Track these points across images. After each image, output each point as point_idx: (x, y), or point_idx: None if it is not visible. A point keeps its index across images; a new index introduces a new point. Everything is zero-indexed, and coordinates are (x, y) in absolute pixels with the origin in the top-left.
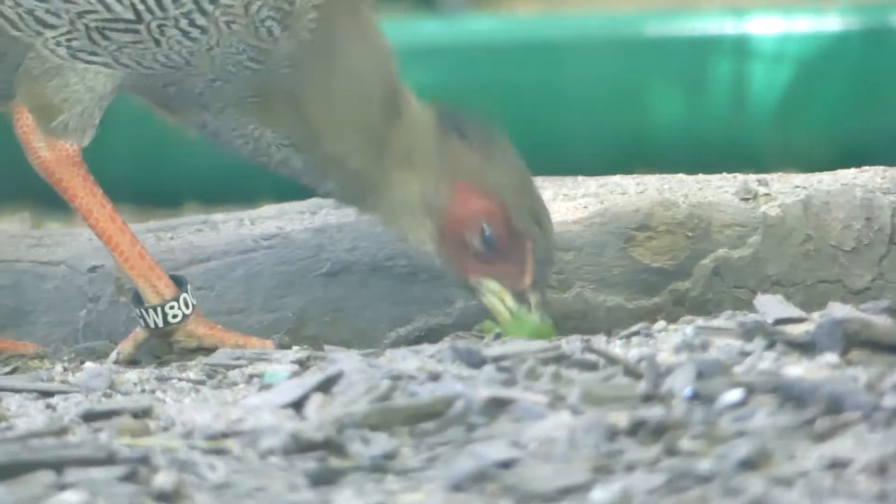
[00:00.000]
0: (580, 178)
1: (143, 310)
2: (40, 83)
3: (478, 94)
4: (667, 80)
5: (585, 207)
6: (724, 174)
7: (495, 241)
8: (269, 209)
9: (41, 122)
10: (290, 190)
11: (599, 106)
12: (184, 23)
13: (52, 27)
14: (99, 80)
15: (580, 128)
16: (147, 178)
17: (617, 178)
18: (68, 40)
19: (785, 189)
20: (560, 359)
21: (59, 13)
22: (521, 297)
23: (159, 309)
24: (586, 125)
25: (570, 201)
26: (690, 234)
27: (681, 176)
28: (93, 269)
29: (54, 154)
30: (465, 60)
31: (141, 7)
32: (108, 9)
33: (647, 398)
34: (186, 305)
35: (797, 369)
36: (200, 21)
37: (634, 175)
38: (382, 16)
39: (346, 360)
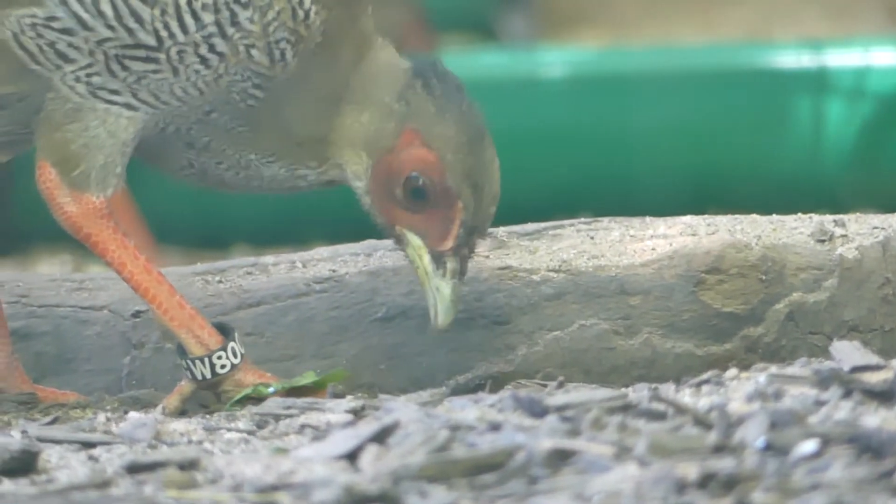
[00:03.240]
0: (648, 219)
1: (188, 361)
2: (61, 129)
3: (542, 130)
4: (740, 114)
5: (654, 249)
6: (799, 214)
7: (423, 193)
8: (321, 251)
9: (64, 174)
10: (344, 231)
11: (669, 142)
12: (203, 48)
13: (72, 61)
14: (120, 124)
15: (648, 165)
16: (194, 219)
17: (687, 218)
18: (88, 75)
19: (863, 230)
20: (626, 408)
21: (80, 45)
22: (439, 259)
23: (206, 360)
24: (655, 162)
25: (637, 243)
26: (763, 277)
27: (753, 216)
28: (136, 314)
29: (80, 208)
30: (530, 94)
31: (164, 33)
32: (131, 33)
33: (718, 449)
34: (234, 354)
35: (875, 419)
36: (220, 46)
37: (705, 215)
38: (444, 47)
39: (402, 410)
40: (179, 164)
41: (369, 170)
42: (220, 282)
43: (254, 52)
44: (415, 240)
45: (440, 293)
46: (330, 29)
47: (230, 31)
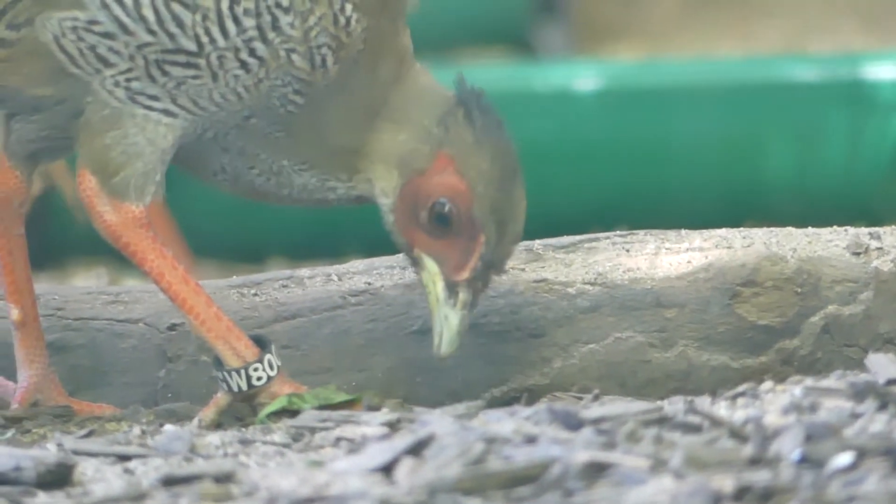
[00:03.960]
0: (684, 232)
1: (225, 373)
2: (100, 136)
3: (578, 142)
4: (776, 127)
5: (689, 262)
6: (835, 227)
7: (447, 221)
8: (357, 264)
9: (104, 182)
10: (379, 244)
11: (704, 155)
12: (244, 53)
13: (112, 65)
14: (159, 131)
15: (684, 178)
16: (230, 232)
17: (722, 231)
18: (127, 80)
19: None
20: (662, 421)
21: (120, 49)
22: (452, 288)
23: (242, 372)
24: (691, 175)
25: (673, 255)
26: (799, 290)
27: (789, 229)
28: (172, 327)
29: (120, 217)
30: (566, 107)
31: (204, 38)
32: (172, 38)
33: (754, 462)
34: (271, 367)
35: None
36: (261, 51)
37: (741, 228)
38: (479, 61)
39: (437, 423)
40: (212, 169)
41: (398, 189)
42: (255, 295)
43: (294, 56)
44: (431, 265)
45: (448, 322)
46: (371, 38)
47: (271, 35)
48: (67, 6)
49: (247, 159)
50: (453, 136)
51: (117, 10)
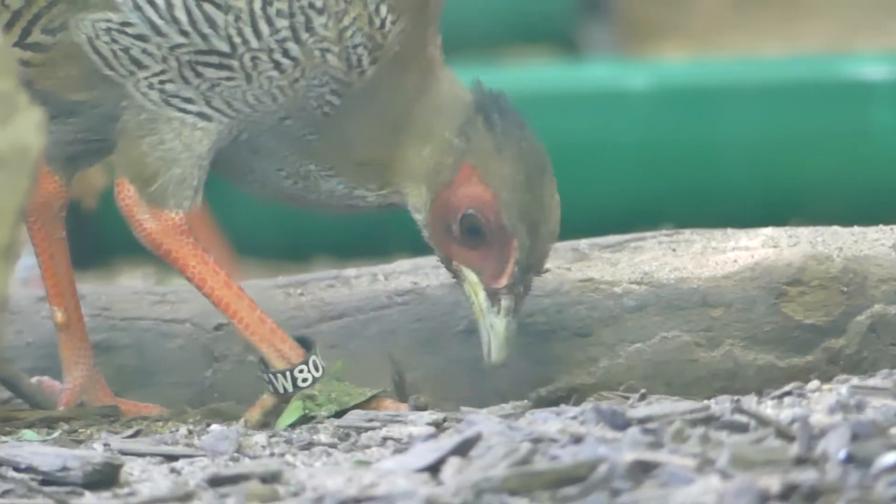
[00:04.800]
0: (730, 231)
1: (270, 375)
2: (136, 142)
3: (624, 142)
4: (822, 126)
5: (735, 261)
6: (881, 226)
7: (478, 231)
8: (403, 263)
9: (142, 190)
10: (425, 244)
11: (750, 154)
12: (277, 53)
13: (146, 67)
14: (195, 136)
15: (730, 177)
16: (276, 232)
17: (768, 230)
18: (161, 82)
19: None
20: (708, 420)
21: (153, 51)
22: (494, 296)
23: (288, 374)
24: (736, 174)
25: (719, 254)
26: (845, 289)
27: (835, 228)
28: (219, 327)
29: (160, 225)
30: (611, 106)
31: (237, 39)
32: (204, 39)
33: (800, 461)
34: (316, 368)
35: None
36: (294, 52)
37: (787, 227)
38: (524, 60)
39: (484, 422)
40: (242, 170)
41: (428, 204)
42: (301, 294)
43: (329, 56)
44: (471, 276)
45: (494, 330)
46: (404, 44)
47: (304, 36)
48: (100, 8)
49: (275, 160)
50: (474, 145)
51: (150, 12)
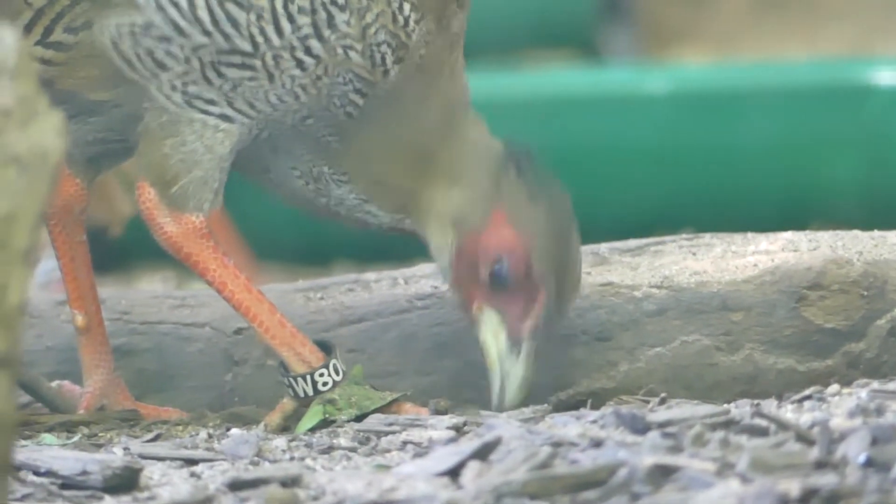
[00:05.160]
0: (750, 235)
1: (290, 378)
2: (158, 144)
3: (644, 146)
4: (842, 130)
5: (755, 265)
6: None
7: (507, 278)
8: (423, 268)
9: (163, 194)
10: None
11: (771, 158)
12: (299, 51)
13: (168, 69)
14: (217, 138)
15: (750, 181)
16: (296, 236)
17: (788, 234)
18: (184, 83)
19: None
20: (728, 424)
21: (176, 52)
22: (515, 340)
23: (308, 377)
24: (756, 178)
25: (739, 259)
26: (865, 293)
27: (855, 232)
28: (238, 331)
29: (181, 228)
30: (632, 110)
31: (259, 38)
32: (227, 39)
33: (820, 465)
34: (336, 372)
35: None
36: (316, 49)
37: (807, 231)
38: (545, 64)
39: (504, 426)
40: (260, 166)
41: (454, 247)
42: (321, 298)
43: (352, 53)
44: (494, 317)
45: (512, 375)
46: (430, 65)
47: (326, 33)
48: (124, 10)
49: (291, 158)
50: (507, 193)
51: (172, 13)
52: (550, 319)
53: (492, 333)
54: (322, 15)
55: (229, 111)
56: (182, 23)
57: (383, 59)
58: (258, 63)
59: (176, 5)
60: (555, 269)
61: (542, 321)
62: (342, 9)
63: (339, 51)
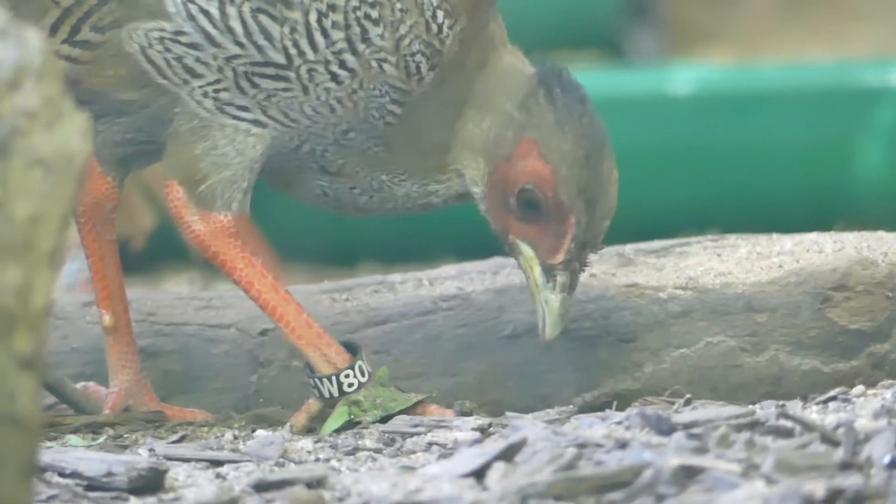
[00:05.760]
0: (775, 236)
1: (316, 379)
2: (188, 147)
3: (670, 147)
4: (866, 131)
5: (780, 266)
6: None
7: (536, 206)
8: (448, 269)
9: (191, 193)
10: (471, 249)
11: (796, 159)
12: (334, 65)
13: (200, 76)
14: (248, 142)
15: (775, 182)
16: (321, 237)
17: (813, 235)
18: (216, 91)
19: None
20: (754, 425)
21: (208, 60)
22: (549, 272)
23: (334, 378)
24: (782, 179)
25: (764, 260)
26: (890, 294)
27: (880, 233)
28: (264, 332)
29: (208, 227)
30: (657, 111)
31: (293, 51)
32: (260, 51)
33: (845, 466)
34: (362, 373)
35: None
36: (351, 63)
37: (832, 232)
38: (570, 64)
39: (529, 428)
40: (314, 193)
41: (486, 176)
42: (347, 300)
43: (386, 66)
44: (527, 250)
45: (549, 306)
46: (461, 39)
47: (360, 47)
48: (153, 16)
49: (347, 179)
50: (535, 119)
51: (203, 22)
52: (583, 248)
53: (527, 264)
54: (356, 29)
55: (262, 118)
56: (213, 32)
57: (418, 67)
58: (292, 75)
59: (207, 15)
60: (584, 195)
61: (574, 250)
62: (376, 23)
63: (374, 64)
